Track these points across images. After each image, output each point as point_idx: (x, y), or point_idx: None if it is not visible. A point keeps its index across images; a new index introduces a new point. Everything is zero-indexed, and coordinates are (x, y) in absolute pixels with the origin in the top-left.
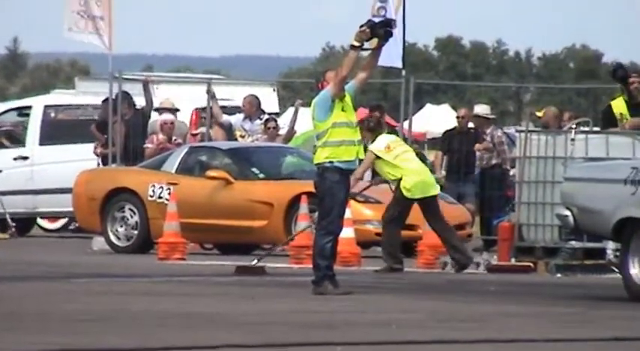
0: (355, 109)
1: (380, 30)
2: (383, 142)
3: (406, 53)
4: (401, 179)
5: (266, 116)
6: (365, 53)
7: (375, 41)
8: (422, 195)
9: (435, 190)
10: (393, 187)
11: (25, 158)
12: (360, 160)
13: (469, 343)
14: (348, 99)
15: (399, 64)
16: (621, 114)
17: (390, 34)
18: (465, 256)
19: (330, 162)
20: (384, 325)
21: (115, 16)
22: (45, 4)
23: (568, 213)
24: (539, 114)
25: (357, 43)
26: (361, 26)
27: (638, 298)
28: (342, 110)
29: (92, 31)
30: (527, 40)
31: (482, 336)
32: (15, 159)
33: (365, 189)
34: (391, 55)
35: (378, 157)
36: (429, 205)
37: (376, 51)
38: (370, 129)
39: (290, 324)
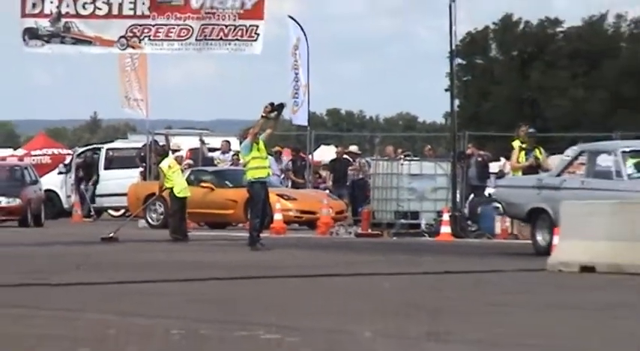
0: (269, 149)
1: (278, 107)
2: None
3: (310, 117)
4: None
5: (232, 152)
6: (271, 117)
7: (274, 113)
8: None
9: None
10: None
11: (98, 176)
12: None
13: (344, 276)
14: (261, 144)
15: (306, 123)
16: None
17: (282, 109)
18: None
19: (253, 178)
20: (297, 266)
21: (149, 97)
22: (112, 90)
23: (499, 205)
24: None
25: (264, 114)
26: (266, 106)
27: (542, 254)
28: (257, 150)
29: (135, 107)
30: (376, 108)
31: (348, 271)
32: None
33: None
34: (302, 118)
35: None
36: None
37: (276, 118)
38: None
39: (243, 266)
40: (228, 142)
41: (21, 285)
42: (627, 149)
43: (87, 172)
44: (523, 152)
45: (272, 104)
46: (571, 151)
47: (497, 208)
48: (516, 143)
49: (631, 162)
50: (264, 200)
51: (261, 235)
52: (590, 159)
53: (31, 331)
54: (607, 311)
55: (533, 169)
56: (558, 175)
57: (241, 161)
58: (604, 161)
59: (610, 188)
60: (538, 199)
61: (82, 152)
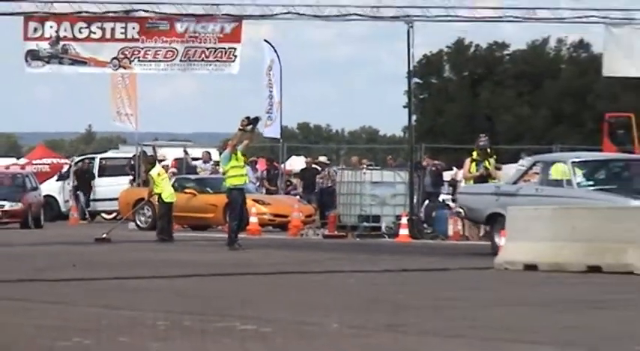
0: (248, 159)
1: (253, 121)
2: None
3: (282, 131)
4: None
5: (213, 162)
6: (247, 130)
7: (250, 126)
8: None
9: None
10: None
11: (93, 183)
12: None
13: (313, 273)
14: (239, 154)
15: (279, 136)
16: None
17: (257, 122)
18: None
19: (232, 185)
20: (272, 264)
21: (138, 111)
22: (105, 106)
23: (461, 210)
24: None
25: (241, 127)
26: (243, 119)
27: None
28: (236, 160)
29: (126, 121)
30: (341, 122)
31: (317, 269)
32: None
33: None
34: (275, 132)
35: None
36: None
37: (252, 131)
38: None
39: (222, 264)
40: (208, 152)
41: (22, 280)
42: (577, 160)
43: (82, 179)
44: (474, 163)
45: (248, 118)
46: (526, 162)
47: (460, 212)
48: (474, 154)
49: (580, 172)
50: (241, 205)
51: (238, 236)
52: (544, 169)
53: (30, 322)
54: (548, 306)
55: (483, 178)
56: (514, 182)
57: (221, 170)
58: (556, 171)
59: (561, 195)
60: (496, 204)
61: (78, 161)
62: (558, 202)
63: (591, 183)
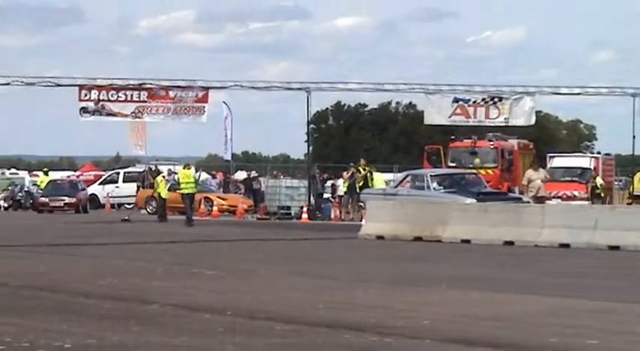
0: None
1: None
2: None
3: (232, 155)
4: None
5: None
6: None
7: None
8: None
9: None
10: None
11: (118, 186)
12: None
13: (250, 240)
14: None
15: (230, 158)
16: None
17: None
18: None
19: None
20: (226, 235)
21: (147, 143)
22: (126, 140)
23: (362, 203)
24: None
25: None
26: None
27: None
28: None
29: (139, 149)
30: (267, 150)
31: (252, 238)
32: (117, 187)
33: None
34: (228, 156)
35: None
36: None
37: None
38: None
39: (195, 234)
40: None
41: (75, 244)
42: (433, 174)
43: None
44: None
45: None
46: (401, 175)
47: (361, 205)
48: (360, 168)
49: (434, 181)
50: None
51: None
52: (412, 179)
53: (79, 269)
54: (388, 260)
55: (354, 181)
56: (395, 187)
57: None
58: (419, 181)
59: (423, 195)
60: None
61: (110, 174)
62: (422, 199)
63: (441, 188)
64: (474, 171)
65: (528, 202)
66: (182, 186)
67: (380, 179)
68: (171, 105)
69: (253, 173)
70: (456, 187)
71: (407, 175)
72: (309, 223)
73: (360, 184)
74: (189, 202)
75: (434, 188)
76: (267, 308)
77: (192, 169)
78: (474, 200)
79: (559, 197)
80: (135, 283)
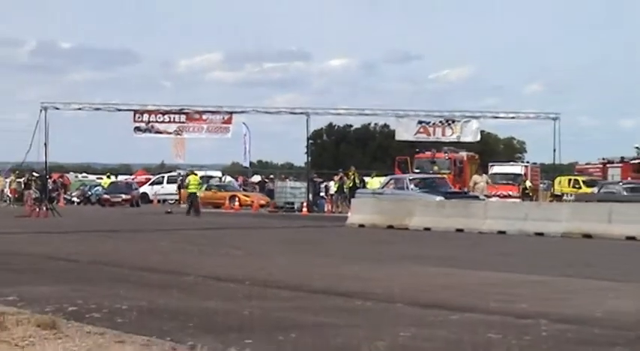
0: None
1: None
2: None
3: (250, 163)
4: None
5: (217, 179)
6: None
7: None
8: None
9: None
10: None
11: (163, 186)
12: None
13: (264, 228)
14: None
15: (248, 165)
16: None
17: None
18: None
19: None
20: (242, 223)
21: (186, 154)
22: (169, 151)
23: (349, 200)
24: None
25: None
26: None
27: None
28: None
29: (179, 158)
30: (277, 159)
31: (265, 226)
32: (162, 187)
33: None
34: (247, 163)
35: None
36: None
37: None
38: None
39: (218, 223)
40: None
41: (127, 231)
42: (411, 178)
43: (159, 184)
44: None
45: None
46: (385, 178)
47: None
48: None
49: (413, 183)
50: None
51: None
52: (395, 182)
53: (130, 248)
54: (369, 243)
55: (343, 183)
56: (382, 188)
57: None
58: (400, 183)
59: (403, 194)
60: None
61: (157, 177)
62: (401, 198)
63: (417, 188)
64: (442, 176)
65: (483, 200)
66: (191, 187)
67: (375, 181)
68: (204, 125)
69: (271, 176)
70: (428, 188)
71: (390, 179)
72: (308, 215)
73: (350, 185)
74: (194, 198)
75: (411, 189)
76: (276, 279)
77: (198, 175)
78: (443, 198)
79: (498, 196)
80: (175, 260)
